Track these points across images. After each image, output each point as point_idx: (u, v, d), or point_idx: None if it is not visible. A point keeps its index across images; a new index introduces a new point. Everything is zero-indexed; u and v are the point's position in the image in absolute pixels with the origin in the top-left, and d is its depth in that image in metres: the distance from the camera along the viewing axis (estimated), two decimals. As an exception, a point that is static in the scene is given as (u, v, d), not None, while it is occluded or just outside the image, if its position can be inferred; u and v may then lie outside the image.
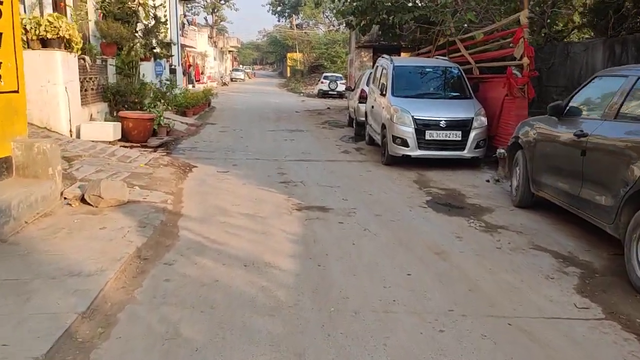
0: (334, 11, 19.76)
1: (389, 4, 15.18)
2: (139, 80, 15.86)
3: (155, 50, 17.13)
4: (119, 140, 10.24)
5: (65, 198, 6.10)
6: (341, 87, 36.10)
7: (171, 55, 18.15)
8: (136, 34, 16.17)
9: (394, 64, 10.23)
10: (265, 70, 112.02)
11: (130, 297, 3.84)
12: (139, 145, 10.29)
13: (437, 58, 11.67)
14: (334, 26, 67.61)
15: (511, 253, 5.09)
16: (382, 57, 11.64)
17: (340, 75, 38.82)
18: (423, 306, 3.86)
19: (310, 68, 56.17)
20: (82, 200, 6.08)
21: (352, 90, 16.03)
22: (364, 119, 13.39)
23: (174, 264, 4.54)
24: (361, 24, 16.36)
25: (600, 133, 4.93)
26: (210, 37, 56.40)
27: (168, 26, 20.53)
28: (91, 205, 5.99)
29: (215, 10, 63.06)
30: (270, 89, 49.54)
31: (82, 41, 9.70)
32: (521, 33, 8.38)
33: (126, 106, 11.64)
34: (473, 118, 8.99)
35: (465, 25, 11.67)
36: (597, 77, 5.77)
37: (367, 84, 13.85)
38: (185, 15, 43.12)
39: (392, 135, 9.13)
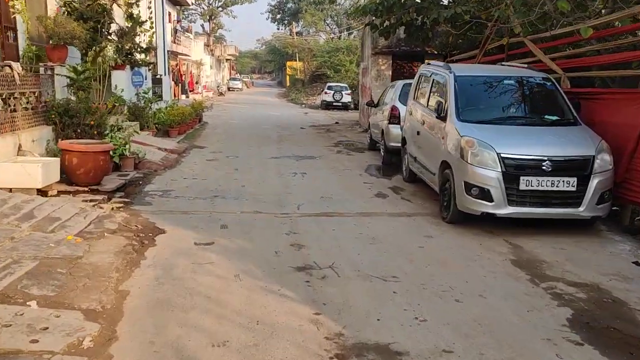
0: (351, 9, 16.68)
1: (419, 0, 12.19)
2: (110, 94, 12.79)
3: (131, 57, 14.02)
4: (59, 182, 7.07)
5: None
6: (347, 98, 33.23)
7: (151, 63, 14.98)
8: (109, 37, 13.09)
9: (455, 74, 7.08)
10: (264, 79, 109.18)
11: None
12: (87, 189, 7.10)
13: (501, 65, 8.53)
14: (334, 34, 65.00)
15: None
16: (431, 64, 8.53)
17: (345, 85, 35.87)
18: None
19: (312, 77, 53.20)
20: None
21: (375, 105, 12.90)
22: (396, 144, 10.26)
23: None
24: (384, 25, 13.29)
25: None
26: (206, 45, 53.56)
27: (153, 29, 17.51)
28: None
29: (213, 17, 60.15)
30: (269, 99, 46.52)
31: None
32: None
33: (79, 130, 8.46)
34: (594, 156, 5.82)
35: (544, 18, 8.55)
36: None
37: (400, 99, 10.75)
38: (179, 21, 40.15)
39: (465, 182, 5.96)
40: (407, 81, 11.10)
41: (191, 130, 15.91)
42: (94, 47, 11.40)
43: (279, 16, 75.61)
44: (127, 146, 8.70)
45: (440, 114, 6.91)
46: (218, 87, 53.54)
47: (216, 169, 9.76)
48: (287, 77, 66.17)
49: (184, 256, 5.00)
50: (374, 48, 17.90)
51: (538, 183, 5.74)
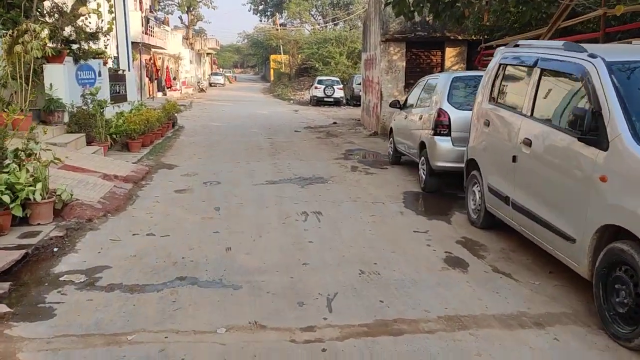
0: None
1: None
2: (46, 96, 9.52)
3: (79, 45, 10.72)
4: None
5: None
6: (339, 93, 30.37)
7: (101, 53, 11.62)
8: (40, 18, 9.78)
9: (606, 60, 3.93)
10: (247, 73, 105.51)
11: None
12: None
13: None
14: (320, 25, 61.71)
15: None
16: (528, 46, 5.35)
17: (337, 78, 32.83)
18: None
19: (298, 71, 49.93)
20: None
21: (400, 107, 9.72)
22: (447, 165, 7.24)
23: None
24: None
25: None
26: (185, 38, 49.98)
27: (113, 14, 14.17)
28: None
29: (191, 8, 56.32)
30: (254, 95, 43.19)
31: None
32: None
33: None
34: None
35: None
36: None
37: (449, 100, 7.60)
38: (152, 11, 36.51)
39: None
40: (458, 74, 7.98)
41: (160, 140, 12.58)
42: (11, 31, 8.09)
43: (261, 7, 71.97)
44: (40, 185, 5.41)
45: (585, 132, 3.77)
46: (198, 82, 49.98)
47: (187, 211, 6.49)
48: (272, 71, 62.75)
49: None
50: (384, 34, 14.68)
51: None
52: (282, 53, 57.55)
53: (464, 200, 6.56)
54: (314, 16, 66.23)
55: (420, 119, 8.20)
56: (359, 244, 5.40)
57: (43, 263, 4.60)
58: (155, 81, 33.23)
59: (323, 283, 4.35)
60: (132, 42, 22.31)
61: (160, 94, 33.00)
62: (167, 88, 35.93)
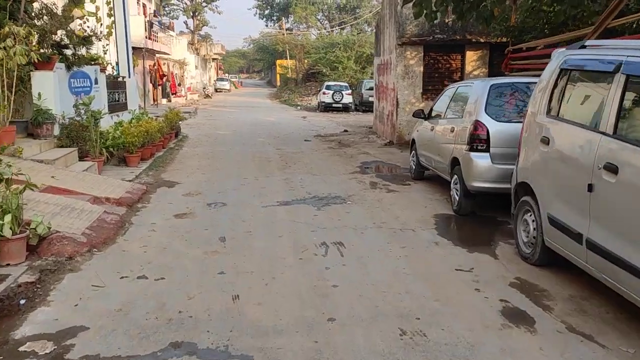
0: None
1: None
2: (34, 107, 8.66)
3: (74, 50, 9.86)
4: None
5: None
6: (347, 99, 29.62)
7: (95, 60, 10.72)
8: (28, 21, 8.93)
9: None
10: (253, 78, 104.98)
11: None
12: None
13: None
14: (326, 29, 60.95)
15: None
16: (609, 49, 4.32)
17: (346, 84, 31.98)
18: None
19: (305, 76, 49.09)
20: None
21: (425, 117, 8.77)
22: (485, 186, 6.31)
23: None
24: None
25: None
26: (191, 44, 49.28)
27: (112, 17, 13.38)
28: None
29: (197, 13, 55.64)
30: (260, 101, 42.34)
31: None
32: None
33: None
34: None
35: None
36: None
37: (487, 111, 6.65)
38: (156, 15, 35.77)
39: None
40: (495, 80, 7.00)
41: (161, 153, 11.66)
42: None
43: (267, 12, 71.30)
44: (9, 217, 4.50)
45: None
46: (204, 88, 49.27)
47: (187, 243, 5.55)
48: (278, 76, 62.01)
49: None
50: (400, 37, 13.75)
51: None
52: (288, 58, 56.79)
53: (509, 227, 5.62)
54: (321, 20, 65.56)
55: (452, 131, 7.24)
56: (394, 288, 4.45)
57: (4, 323, 3.67)
58: (160, 87, 32.45)
59: (356, 350, 3.40)
60: (135, 48, 21.55)
61: (165, 101, 32.22)
62: (172, 94, 35.15)
